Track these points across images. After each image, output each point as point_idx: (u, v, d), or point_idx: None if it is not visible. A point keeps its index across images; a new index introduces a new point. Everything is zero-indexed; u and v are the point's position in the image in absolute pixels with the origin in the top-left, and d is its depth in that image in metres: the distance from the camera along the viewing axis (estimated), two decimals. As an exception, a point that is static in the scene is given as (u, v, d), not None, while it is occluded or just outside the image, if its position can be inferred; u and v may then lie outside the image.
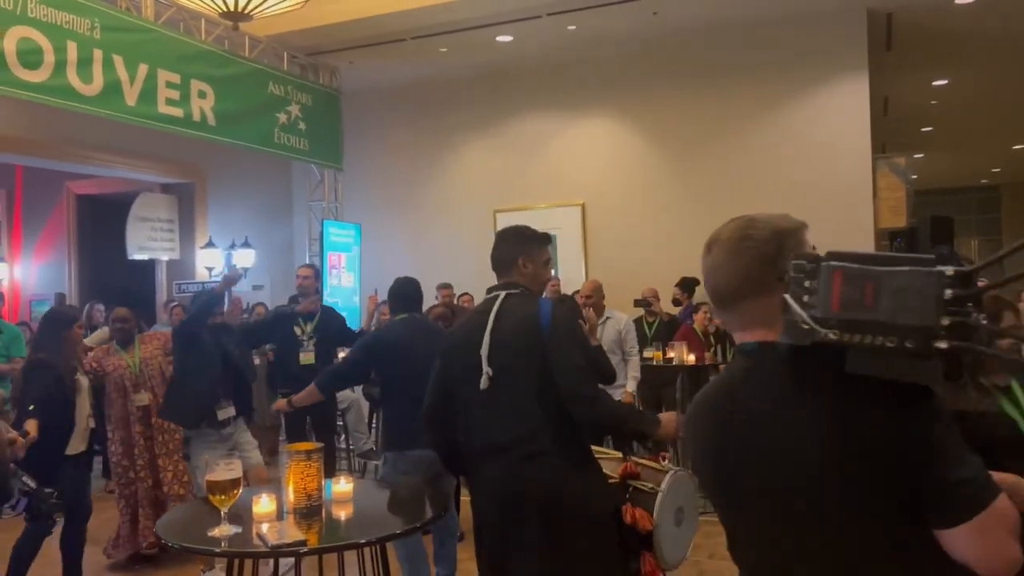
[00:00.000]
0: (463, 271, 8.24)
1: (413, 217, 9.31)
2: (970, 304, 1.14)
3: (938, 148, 14.54)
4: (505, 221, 8.86)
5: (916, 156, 14.62)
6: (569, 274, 8.08)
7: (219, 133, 7.22)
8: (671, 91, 8.21)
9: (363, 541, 2.62)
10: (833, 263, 1.18)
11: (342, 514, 2.79)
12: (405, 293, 4.00)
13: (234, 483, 2.54)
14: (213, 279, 8.38)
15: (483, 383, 2.54)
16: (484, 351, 2.56)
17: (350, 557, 3.15)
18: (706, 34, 7.88)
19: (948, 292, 1.12)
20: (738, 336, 1.37)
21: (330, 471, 4.88)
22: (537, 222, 3.03)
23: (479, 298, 7.44)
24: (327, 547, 2.60)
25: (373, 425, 7.13)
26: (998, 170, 18.13)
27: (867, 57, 7.50)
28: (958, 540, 1.18)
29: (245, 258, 8.64)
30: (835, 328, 1.15)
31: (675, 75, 8.18)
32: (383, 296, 4.81)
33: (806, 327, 1.17)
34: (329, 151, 8.86)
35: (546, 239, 2.81)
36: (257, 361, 6.63)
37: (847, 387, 1.19)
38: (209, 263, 8.65)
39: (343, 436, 7.00)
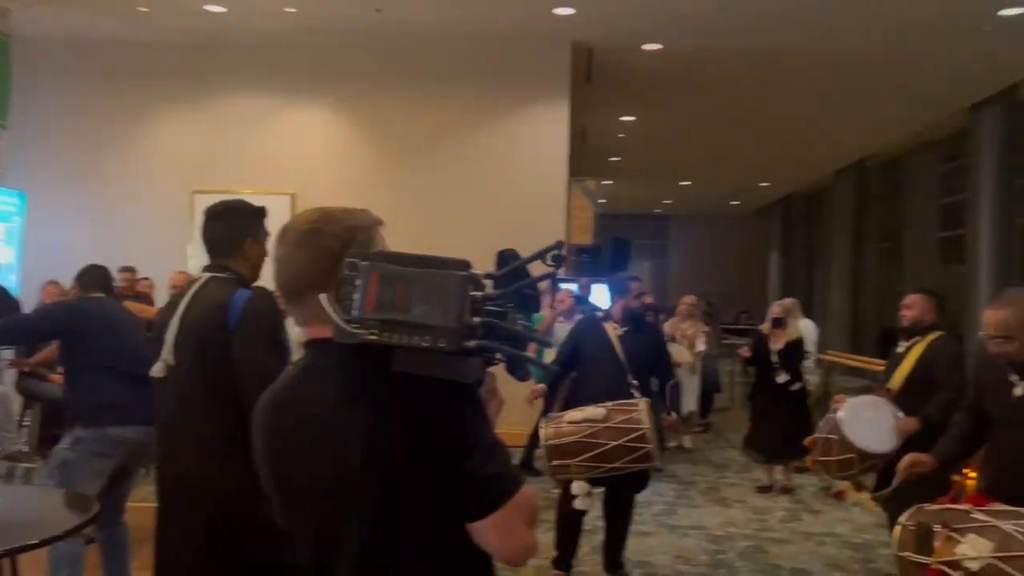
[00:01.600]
0: (153, 253, 7.53)
1: (95, 190, 8.28)
2: (509, 304, 1.24)
3: (623, 177, 16.29)
4: (204, 203, 8.28)
5: (605, 182, 16.27)
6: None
7: None
8: (392, 91, 8.23)
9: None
10: (371, 263, 1.21)
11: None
12: (97, 279, 3.78)
13: None
14: None
15: (158, 370, 2.38)
16: (170, 337, 2.38)
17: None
18: (428, 40, 8.02)
19: (477, 293, 1.20)
20: (304, 332, 1.37)
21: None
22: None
23: (166, 284, 6.82)
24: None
25: (25, 423, 6.20)
26: (669, 202, 20.78)
27: (570, 86, 8.15)
28: (484, 531, 1.26)
29: None
30: (373, 328, 1.18)
31: (396, 75, 8.21)
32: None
33: (349, 328, 1.19)
34: (-9, 103, 7.58)
35: (264, 213, 2.58)
36: None
37: (394, 386, 1.23)
38: None
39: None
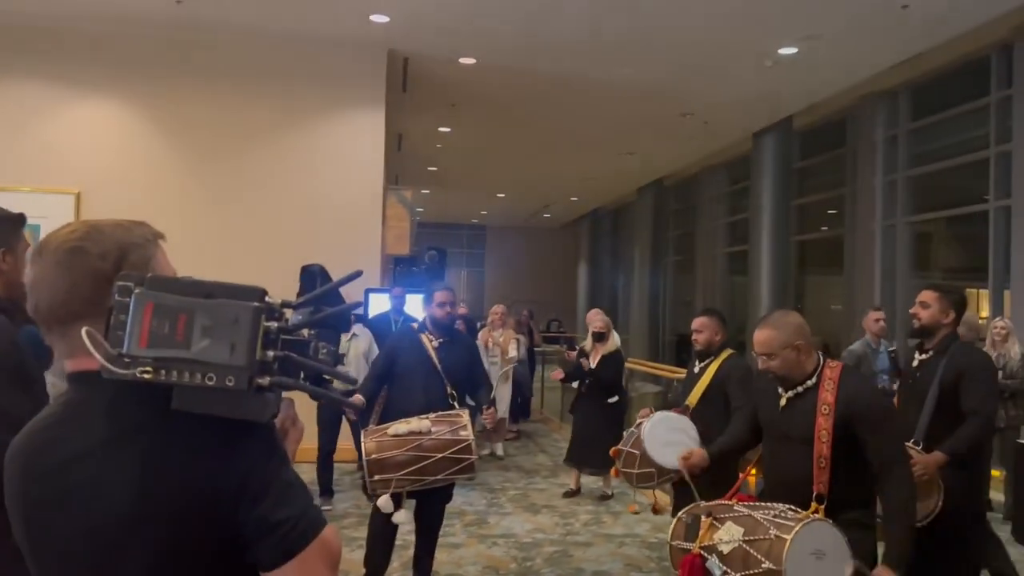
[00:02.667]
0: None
1: None
2: (312, 332, 1.14)
3: (441, 187, 16.38)
4: (-31, 202, 7.38)
5: (423, 191, 16.29)
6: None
7: None
8: (194, 87, 7.74)
9: None
10: (144, 291, 1.06)
11: None
12: None
13: None
14: None
15: None
16: None
17: None
18: (235, 36, 7.64)
19: (273, 325, 1.08)
20: (67, 364, 1.20)
21: None
22: (19, 206, 2.36)
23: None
24: None
25: None
26: (485, 212, 21.16)
27: (385, 93, 8.05)
28: None
29: None
30: (147, 367, 1.05)
31: (200, 72, 7.73)
32: None
33: (118, 367, 1.05)
34: None
35: (22, 221, 2.21)
36: None
37: (173, 425, 1.10)
38: None
39: None
